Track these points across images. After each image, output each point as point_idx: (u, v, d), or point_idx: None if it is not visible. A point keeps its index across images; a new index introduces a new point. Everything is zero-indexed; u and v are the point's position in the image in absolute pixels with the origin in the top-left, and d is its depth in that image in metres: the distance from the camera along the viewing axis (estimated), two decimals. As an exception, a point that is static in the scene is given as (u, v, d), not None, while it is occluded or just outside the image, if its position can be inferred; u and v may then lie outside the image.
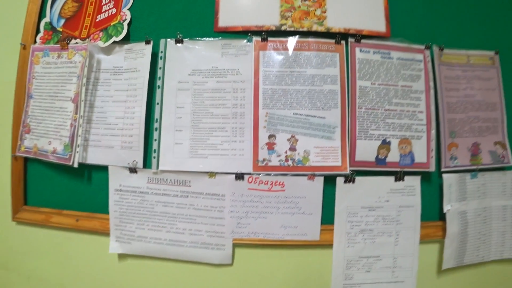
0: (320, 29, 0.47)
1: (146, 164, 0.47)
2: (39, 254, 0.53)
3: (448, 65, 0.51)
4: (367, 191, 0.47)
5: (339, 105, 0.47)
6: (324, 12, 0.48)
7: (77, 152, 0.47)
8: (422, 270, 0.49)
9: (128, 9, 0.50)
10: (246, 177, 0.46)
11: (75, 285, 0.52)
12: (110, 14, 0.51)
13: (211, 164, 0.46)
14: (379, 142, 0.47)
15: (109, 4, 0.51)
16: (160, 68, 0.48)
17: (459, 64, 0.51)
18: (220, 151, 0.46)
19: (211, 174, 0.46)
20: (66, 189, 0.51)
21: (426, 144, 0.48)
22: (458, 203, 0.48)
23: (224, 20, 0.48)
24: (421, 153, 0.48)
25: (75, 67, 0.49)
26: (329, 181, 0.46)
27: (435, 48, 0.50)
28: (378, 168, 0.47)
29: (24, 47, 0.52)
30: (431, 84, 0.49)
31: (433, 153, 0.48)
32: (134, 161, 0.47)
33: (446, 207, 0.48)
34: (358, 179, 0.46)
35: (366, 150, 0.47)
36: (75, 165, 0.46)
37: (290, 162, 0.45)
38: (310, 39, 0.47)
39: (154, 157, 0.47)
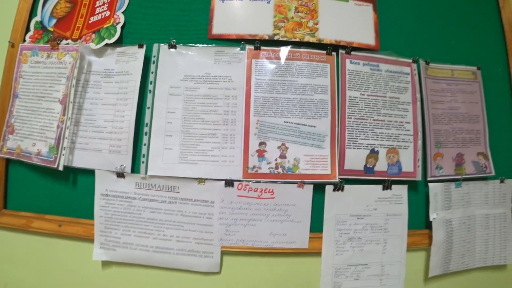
0: (312, 40, 0.49)
1: (134, 169, 0.47)
2: (18, 260, 0.51)
3: (433, 79, 0.53)
4: (355, 200, 0.48)
5: (329, 114, 0.47)
6: (316, 24, 0.49)
7: (63, 154, 0.45)
8: (409, 278, 0.49)
9: (122, 12, 0.50)
10: (236, 184, 0.45)
11: (55, 293, 0.50)
12: (103, 16, 0.50)
13: (200, 170, 0.45)
14: (368, 151, 0.48)
15: (103, 6, 0.51)
16: (152, 72, 0.48)
17: (444, 78, 0.53)
18: (210, 157, 0.46)
19: (201, 180, 0.45)
20: (50, 193, 0.49)
21: (413, 154, 0.49)
22: (444, 212, 0.50)
23: (218, 27, 0.49)
24: (408, 162, 0.49)
25: (65, 68, 0.48)
26: (319, 189, 0.46)
27: (422, 62, 0.52)
28: (366, 176, 0.48)
29: (12, 45, 0.51)
30: (418, 96, 0.51)
31: (420, 163, 0.49)
32: (122, 165, 0.46)
33: (432, 216, 0.49)
34: (347, 187, 0.47)
35: (355, 159, 0.47)
36: (60, 168, 0.45)
37: (280, 170, 0.46)
38: (302, 50, 0.49)
39: (143, 162, 0.46)
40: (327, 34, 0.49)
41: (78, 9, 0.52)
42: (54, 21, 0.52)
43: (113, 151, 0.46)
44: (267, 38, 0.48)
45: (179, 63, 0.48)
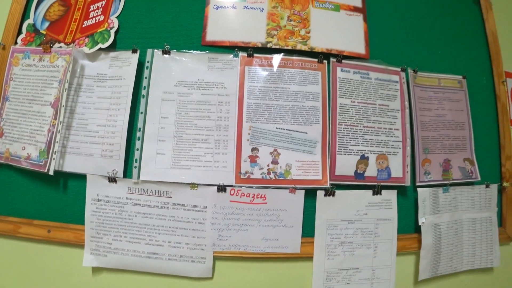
0: (304, 48, 0.50)
1: (127, 173, 0.46)
2: (6, 267, 0.49)
3: (421, 87, 0.55)
4: (346, 205, 0.48)
5: (320, 121, 0.48)
6: (308, 32, 0.50)
7: (54, 159, 0.45)
8: (399, 282, 0.50)
9: (116, 17, 0.50)
10: (228, 189, 0.46)
11: (43, 301, 0.49)
12: (97, 20, 0.50)
13: (193, 176, 0.45)
14: (358, 157, 0.49)
15: (97, 10, 0.51)
16: (146, 77, 0.48)
17: (431, 86, 0.55)
18: (203, 162, 0.46)
19: (193, 185, 0.45)
20: (39, 197, 0.48)
21: (402, 159, 0.51)
22: (432, 216, 0.51)
23: (212, 34, 0.49)
24: (397, 168, 0.50)
25: (57, 71, 0.48)
26: (310, 195, 0.47)
27: (410, 71, 0.54)
28: (357, 182, 0.49)
29: (3, 47, 0.50)
30: (406, 103, 0.53)
31: (408, 168, 0.51)
32: (114, 170, 0.46)
33: (421, 220, 0.50)
34: (338, 192, 0.48)
35: (346, 165, 0.48)
36: (51, 173, 0.44)
37: (272, 175, 0.46)
38: (294, 57, 0.50)
39: (136, 167, 0.46)
40: (318, 43, 0.50)
41: (72, 12, 0.52)
42: (47, 24, 0.51)
43: (105, 156, 0.46)
44: (260, 45, 0.49)
45: (172, 68, 0.48)
